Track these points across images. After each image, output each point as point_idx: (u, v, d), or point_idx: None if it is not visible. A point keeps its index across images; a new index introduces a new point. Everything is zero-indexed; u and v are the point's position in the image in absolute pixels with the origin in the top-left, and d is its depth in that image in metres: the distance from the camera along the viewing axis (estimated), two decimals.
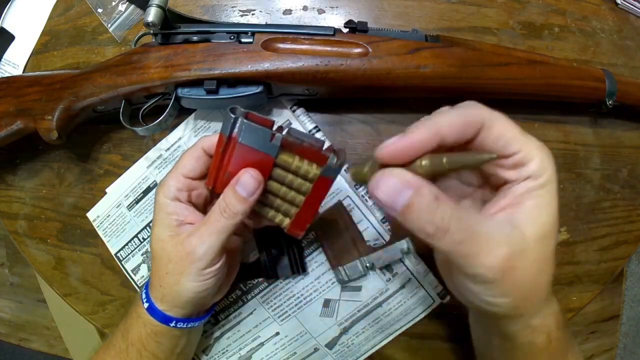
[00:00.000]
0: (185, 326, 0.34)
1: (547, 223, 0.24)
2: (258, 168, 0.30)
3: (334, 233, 0.40)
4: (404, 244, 0.40)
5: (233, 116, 0.30)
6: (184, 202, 0.33)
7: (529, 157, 0.24)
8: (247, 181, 0.30)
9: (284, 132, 0.30)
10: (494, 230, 0.23)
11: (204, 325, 0.41)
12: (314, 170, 0.30)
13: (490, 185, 0.28)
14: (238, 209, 0.30)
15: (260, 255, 0.41)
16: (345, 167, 0.41)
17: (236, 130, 0.30)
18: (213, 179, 0.32)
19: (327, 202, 0.41)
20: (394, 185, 0.23)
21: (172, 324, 0.34)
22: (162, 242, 0.32)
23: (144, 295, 0.34)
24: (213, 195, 0.36)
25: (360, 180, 0.29)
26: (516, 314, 0.26)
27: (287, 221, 0.32)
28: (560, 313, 0.28)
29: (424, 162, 0.23)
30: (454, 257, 0.23)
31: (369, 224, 0.41)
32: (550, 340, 0.27)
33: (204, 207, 0.36)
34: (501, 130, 0.24)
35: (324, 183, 0.30)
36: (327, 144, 0.32)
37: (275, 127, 0.31)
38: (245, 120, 0.30)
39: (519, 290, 0.24)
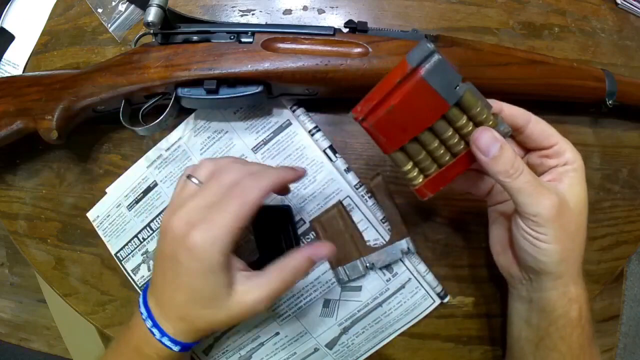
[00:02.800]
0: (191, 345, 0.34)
1: (579, 195, 0.31)
2: (426, 113, 0.29)
3: (334, 233, 0.40)
4: (403, 244, 0.40)
5: (430, 47, 0.27)
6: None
7: (564, 148, 0.32)
8: (320, 251, 0.33)
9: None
10: (549, 185, 0.31)
11: None
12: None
13: (537, 174, 0.33)
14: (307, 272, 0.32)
15: (260, 255, 0.41)
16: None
17: (427, 64, 0.27)
18: (368, 108, 0.29)
19: (327, 202, 0.42)
20: (489, 138, 0.29)
21: (178, 349, 0.33)
22: (215, 299, 0.31)
23: (169, 343, 0.32)
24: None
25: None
26: (560, 271, 0.31)
27: (420, 179, 0.31)
28: (588, 294, 0.33)
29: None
30: (522, 195, 0.29)
31: (369, 224, 0.41)
32: (582, 317, 0.32)
33: None
34: (544, 127, 0.32)
35: None
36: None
37: None
38: (440, 57, 0.27)
39: (564, 238, 0.30)
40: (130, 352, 0.33)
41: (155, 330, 0.32)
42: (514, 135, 0.33)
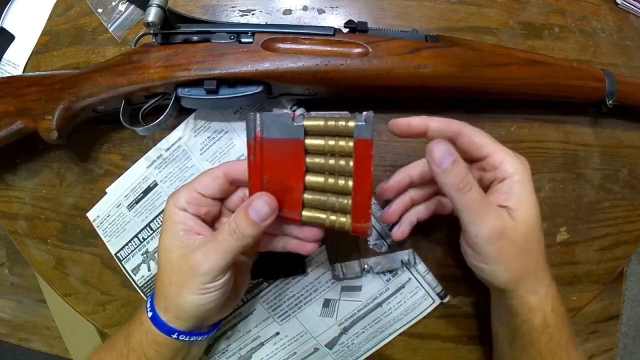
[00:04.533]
0: (187, 339, 0.34)
1: (527, 210, 0.30)
2: (292, 161, 0.29)
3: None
4: (405, 255, 0.40)
5: (252, 115, 0.29)
6: (193, 214, 0.33)
7: (499, 160, 0.31)
8: (259, 206, 0.30)
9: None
10: (493, 205, 0.30)
11: None
12: (347, 142, 0.29)
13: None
14: (248, 232, 0.30)
15: (261, 255, 0.41)
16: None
17: (258, 127, 0.29)
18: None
19: None
20: (443, 151, 0.29)
21: (174, 336, 0.33)
22: (167, 251, 0.32)
23: (148, 304, 0.34)
24: (223, 213, 0.36)
25: None
26: (510, 287, 0.31)
27: (348, 219, 0.30)
28: (558, 302, 0.32)
29: None
30: (467, 212, 0.29)
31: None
32: (547, 325, 0.32)
33: (212, 224, 0.35)
34: (474, 139, 0.32)
35: (364, 147, 0.28)
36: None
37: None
38: (260, 113, 0.29)
39: (509, 259, 0.30)
40: (128, 319, 0.36)
41: (149, 307, 0.34)
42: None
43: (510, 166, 0.31)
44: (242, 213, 0.30)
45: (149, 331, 0.33)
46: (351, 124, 0.28)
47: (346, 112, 0.30)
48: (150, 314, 0.34)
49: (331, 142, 0.29)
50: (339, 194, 0.30)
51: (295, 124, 0.29)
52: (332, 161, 0.29)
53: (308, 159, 0.30)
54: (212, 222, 0.35)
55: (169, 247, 0.32)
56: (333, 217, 0.30)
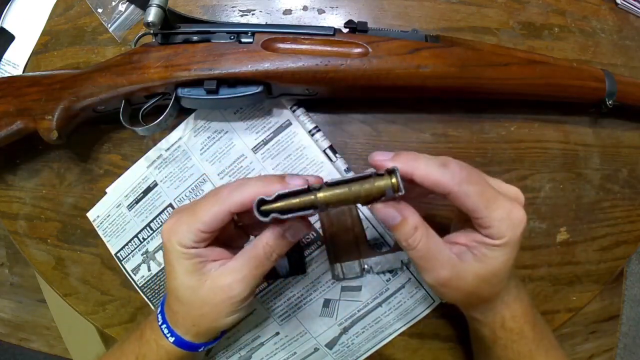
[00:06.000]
0: (211, 346, 0.35)
1: (486, 274, 0.30)
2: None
3: (340, 228, 0.40)
4: (405, 255, 0.40)
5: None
6: (204, 247, 0.31)
7: (487, 224, 0.28)
8: (298, 227, 0.30)
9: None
10: (445, 258, 0.30)
11: None
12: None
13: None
14: (284, 251, 0.31)
15: None
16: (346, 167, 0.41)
17: None
18: None
19: None
20: (388, 213, 0.29)
21: (201, 349, 0.34)
22: (191, 289, 0.31)
23: (166, 330, 0.33)
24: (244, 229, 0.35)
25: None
26: (471, 311, 0.34)
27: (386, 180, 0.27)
28: (511, 319, 0.33)
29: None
30: (416, 264, 0.30)
31: (369, 224, 0.41)
32: (496, 337, 0.33)
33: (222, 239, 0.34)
34: (463, 201, 0.28)
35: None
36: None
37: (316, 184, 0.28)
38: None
39: (457, 297, 0.32)
40: (136, 339, 0.35)
41: (159, 317, 0.34)
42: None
43: (499, 232, 0.28)
44: (278, 237, 0.30)
45: (171, 351, 0.33)
46: (384, 188, 0.27)
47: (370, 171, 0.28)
48: (172, 339, 0.33)
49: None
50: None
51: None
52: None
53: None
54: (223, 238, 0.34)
55: (192, 284, 0.31)
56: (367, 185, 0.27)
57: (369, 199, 0.27)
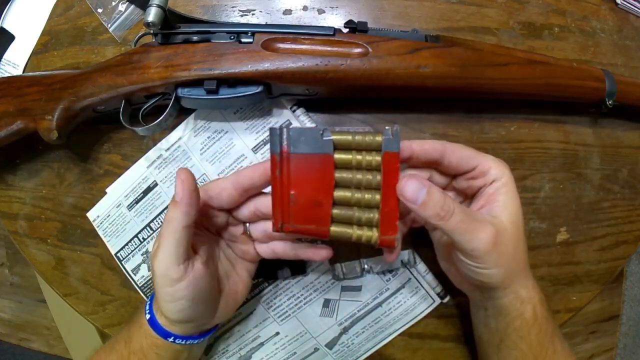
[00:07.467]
0: (183, 343, 0.34)
1: (514, 210, 0.32)
2: (321, 176, 0.29)
3: None
4: (405, 255, 0.40)
5: (277, 129, 0.29)
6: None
7: (486, 167, 0.32)
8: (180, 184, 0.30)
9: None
10: (480, 216, 0.31)
11: None
12: (374, 156, 0.29)
13: (467, 197, 0.35)
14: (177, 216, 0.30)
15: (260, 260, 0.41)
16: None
17: (284, 141, 0.29)
18: (278, 214, 0.30)
19: None
20: (415, 186, 0.29)
21: (171, 340, 0.33)
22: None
23: (147, 307, 0.34)
24: (230, 222, 0.35)
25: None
26: (506, 284, 0.32)
27: (375, 233, 0.30)
28: (541, 293, 0.34)
29: None
30: (457, 234, 0.29)
31: None
32: (537, 316, 0.33)
33: (218, 233, 0.36)
34: (461, 153, 0.32)
35: (391, 160, 0.29)
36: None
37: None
38: (288, 127, 0.29)
39: (504, 261, 0.31)
40: (127, 324, 0.36)
41: (148, 310, 0.34)
42: (435, 166, 0.34)
43: (497, 171, 0.32)
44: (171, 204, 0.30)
45: (148, 334, 0.33)
46: (379, 137, 0.29)
47: (369, 127, 0.30)
48: (148, 316, 0.34)
49: (359, 157, 0.29)
50: (365, 208, 0.30)
51: (324, 138, 0.29)
52: (359, 175, 0.30)
53: (337, 174, 0.30)
54: (217, 231, 0.36)
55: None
56: (360, 232, 0.30)
57: (369, 148, 0.29)
